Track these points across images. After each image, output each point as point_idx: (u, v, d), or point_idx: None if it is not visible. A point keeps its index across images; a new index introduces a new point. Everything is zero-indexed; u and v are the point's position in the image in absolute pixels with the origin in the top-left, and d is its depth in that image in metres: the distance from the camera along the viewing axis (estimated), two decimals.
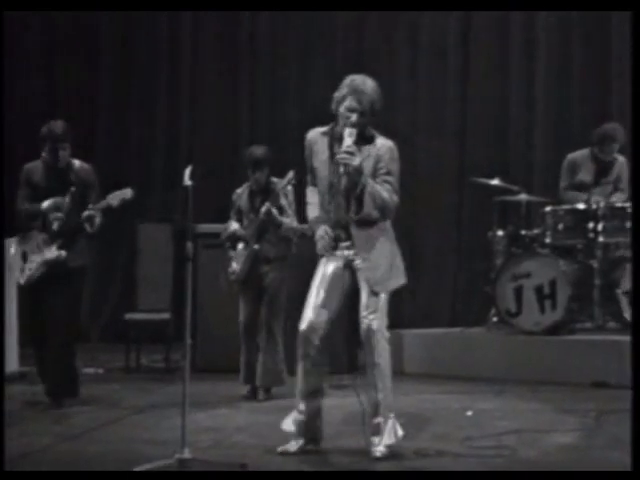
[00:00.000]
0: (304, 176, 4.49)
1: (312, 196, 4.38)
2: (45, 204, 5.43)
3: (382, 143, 4.24)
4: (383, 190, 4.16)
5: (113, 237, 7.95)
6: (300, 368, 4.29)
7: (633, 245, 4.16)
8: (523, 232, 6.95)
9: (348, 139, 4.12)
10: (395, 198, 4.22)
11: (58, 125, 5.48)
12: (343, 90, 4.20)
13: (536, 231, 6.88)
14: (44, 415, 5.24)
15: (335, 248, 4.26)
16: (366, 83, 4.20)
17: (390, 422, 4.20)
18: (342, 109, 4.19)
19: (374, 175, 4.18)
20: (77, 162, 5.58)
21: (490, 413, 5.26)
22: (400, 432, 4.24)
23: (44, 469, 3.98)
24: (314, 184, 4.36)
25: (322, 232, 4.24)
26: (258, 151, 5.85)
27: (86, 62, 9.36)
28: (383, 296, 4.21)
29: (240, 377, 5.90)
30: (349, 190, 4.16)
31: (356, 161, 4.10)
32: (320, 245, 4.26)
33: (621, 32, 8.14)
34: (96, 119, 9.39)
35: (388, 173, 4.21)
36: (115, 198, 5.36)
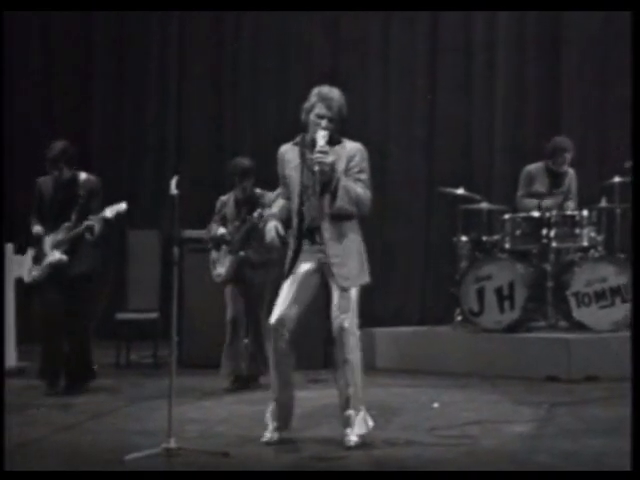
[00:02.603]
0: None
1: (278, 201, 4.40)
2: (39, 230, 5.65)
3: (352, 145, 4.29)
4: (356, 186, 4.21)
5: (105, 243, 7.92)
6: (272, 360, 4.31)
7: (633, 245, 4.16)
8: (485, 238, 7.01)
9: (321, 140, 4.16)
10: (368, 193, 4.25)
11: (53, 148, 5.57)
12: (312, 99, 4.25)
13: (496, 237, 6.94)
14: (41, 407, 5.23)
15: (282, 243, 4.27)
16: (332, 91, 4.26)
17: (361, 414, 4.22)
18: (312, 116, 4.23)
19: (347, 175, 4.21)
20: (83, 174, 5.69)
21: (454, 405, 5.30)
22: (371, 423, 4.26)
23: (40, 458, 3.99)
24: (284, 195, 4.37)
25: (271, 225, 4.28)
26: (245, 162, 5.91)
27: (80, 75, 9.35)
28: (354, 296, 4.21)
29: (222, 370, 5.91)
30: (323, 187, 4.18)
31: (329, 159, 4.13)
32: (268, 237, 4.29)
33: (570, 52, 8.30)
34: (90, 131, 9.37)
35: (360, 171, 4.24)
36: (111, 211, 5.49)
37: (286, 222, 4.35)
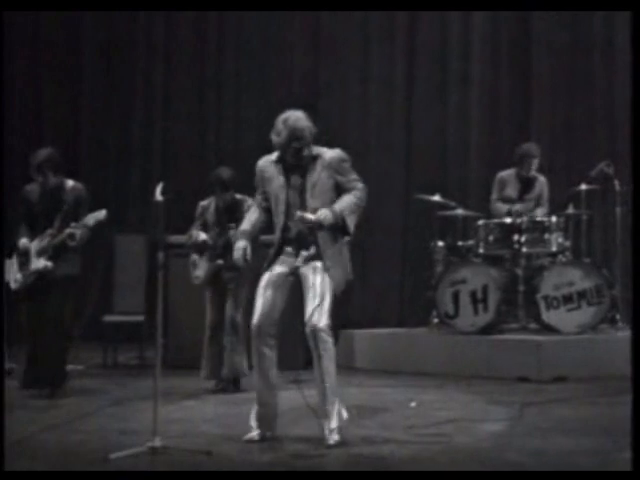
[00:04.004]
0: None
1: (252, 213, 4.40)
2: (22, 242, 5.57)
3: (330, 155, 4.27)
4: (352, 196, 4.24)
5: (93, 247, 7.89)
6: (255, 363, 4.31)
7: (633, 246, 4.20)
8: (459, 243, 7.06)
9: (308, 216, 4.16)
10: (360, 185, 4.29)
11: (38, 154, 5.51)
12: (282, 134, 4.18)
13: (470, 242, 6.99)
14: (29, 407, 5.22)
15: (246, 261, 4.28)
16: (299, 120, 4.19)
17: (336, 406, 4.22)
18: (290, 152, 4.19)
19: (337, 187, 4.24)
20: (70, 182, 5.63)
21: (431, 404, 5.31)
22: (345, 414, 4.27)
23: (28, 458, 3.97)
24: (261, 205, 4.37)
25: (240, 246, 4.28)
26: (225, 173, 5.87)
27: (68, 82, 9.31)
28: (328, 298, 4.21)
29: (202, 373, 5.91)
30: (335, 231, 4.22)
31: (327, 221, 4.15)
32: (236, 255, 4.29)
33: (540, 63, 8.39)
34: (78, 138, 9.35)
35: (347, 175, 4.27)
36: (91, 219, 5.44)
37: (258, 234, 4.40)
